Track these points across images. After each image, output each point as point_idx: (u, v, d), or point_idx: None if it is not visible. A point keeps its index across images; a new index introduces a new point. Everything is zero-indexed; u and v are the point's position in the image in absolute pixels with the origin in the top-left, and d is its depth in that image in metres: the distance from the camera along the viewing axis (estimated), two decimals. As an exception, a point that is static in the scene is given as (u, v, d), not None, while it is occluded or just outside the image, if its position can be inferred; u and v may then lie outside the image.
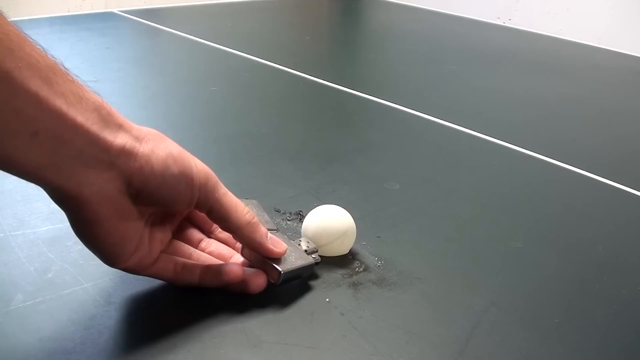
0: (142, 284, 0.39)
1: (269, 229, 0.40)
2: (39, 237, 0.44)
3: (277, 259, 0.38)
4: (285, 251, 0.39)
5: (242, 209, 0.37)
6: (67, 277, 0.39)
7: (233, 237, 0.39)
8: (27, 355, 0.33)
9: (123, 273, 0.37)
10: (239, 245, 0.40)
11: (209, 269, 0.38)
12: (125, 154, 0.32)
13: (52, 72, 0.29)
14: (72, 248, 0.42)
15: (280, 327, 0.36)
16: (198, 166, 0.35)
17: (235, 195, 0.38)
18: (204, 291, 0.38)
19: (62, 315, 0.36)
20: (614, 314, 0.40)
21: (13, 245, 0.42)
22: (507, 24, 1.52)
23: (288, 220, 0.49)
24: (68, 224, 0.33)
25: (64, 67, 0.30)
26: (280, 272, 0.38)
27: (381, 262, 0.44)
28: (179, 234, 0.40)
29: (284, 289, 0.39)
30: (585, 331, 0.38)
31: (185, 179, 0.34)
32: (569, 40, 1.35)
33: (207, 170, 0.36)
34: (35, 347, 0.33)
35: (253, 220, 0.38)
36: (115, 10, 1.30)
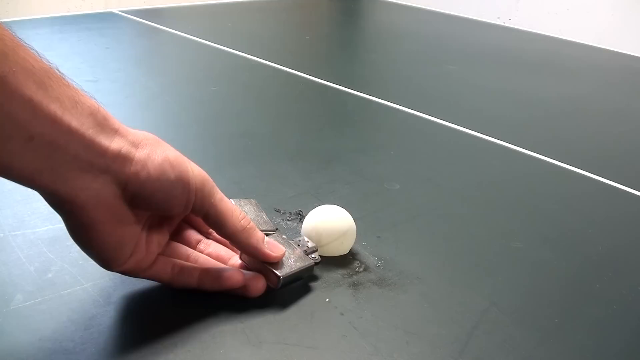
0: (142, 283, 0.39)
1: (268, 230, 0.40)
2: (39, 237, 0.44)
3: (276, 263, 0.38)
4: (284, 254, 0.39)
5: (238, 214, 0.37)
6: (67, 277, 0.39)
7: (230, 242, 0.38)
8: (27, 355, 0.33)
9: (123, 273, 0.37)
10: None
11: (208, 273, 0.38)
12: (121, 158, 0.32)
13: (46, 77, 0.29)
14: (72, 248, 0.42)
15: (280, 327, 0.36)
16: (195, 171, 0.35)
17: (234, 195, 0.37)
18: (203, 291, 0.38)
19: (62, 315, 0.36)
20: (614, 314, 0.40)
21: (13, 245, 0.42)
22: (507, 24, 1.52)
23: (288, 220, 0.49)
24: (68, 224, 0.33)
25: (59, 72, 0.30)
26: (279, 276, 0.38)
27: (381, 262, 0.44)
28: (176, 235, 0.40)
29: (284, 288, 0.39)
30: (585, 331, 0.38)
31: (181, 184, 0.34)
32: (569, 40, 1.35)
33: (204, 175, 0.36)
34: (35, 347, 0.33)
35: (249, 226, 0.37)
36: (115, 10, 1.30)
